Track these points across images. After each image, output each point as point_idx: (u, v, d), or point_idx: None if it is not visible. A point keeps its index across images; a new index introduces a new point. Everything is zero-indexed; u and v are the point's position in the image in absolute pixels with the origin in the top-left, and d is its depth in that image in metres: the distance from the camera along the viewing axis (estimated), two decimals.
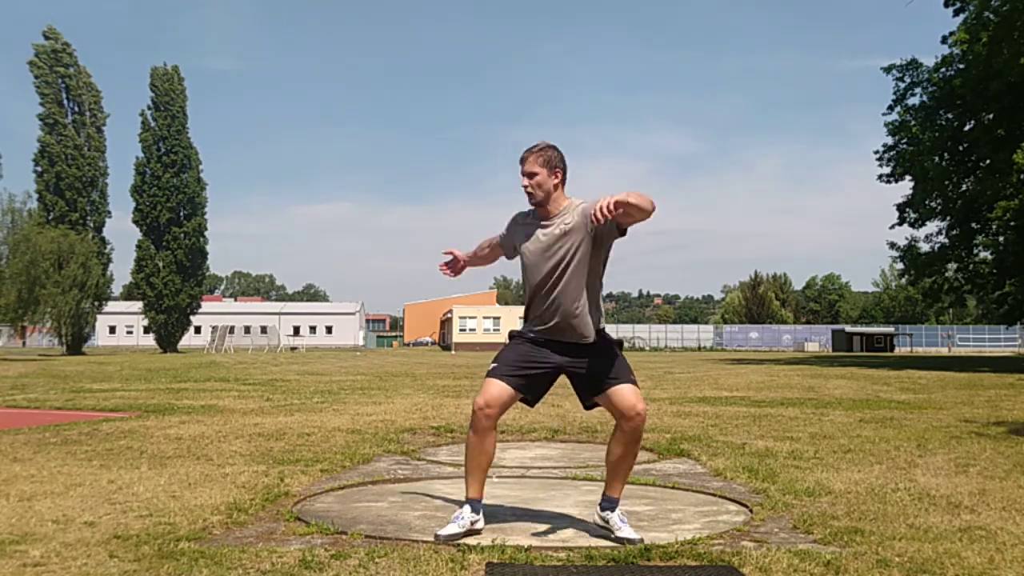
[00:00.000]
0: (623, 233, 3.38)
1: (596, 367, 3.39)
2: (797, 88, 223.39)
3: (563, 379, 3.51)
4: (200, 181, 51.45)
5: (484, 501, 3.47)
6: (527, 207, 3.52)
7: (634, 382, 3.37)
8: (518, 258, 3.57)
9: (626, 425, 3.32)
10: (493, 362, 3.45)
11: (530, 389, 3.45)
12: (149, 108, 50.39)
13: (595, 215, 3.09)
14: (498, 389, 3.35)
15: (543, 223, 3.44)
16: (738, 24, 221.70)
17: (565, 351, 3.42)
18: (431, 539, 3.30)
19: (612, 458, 3.42)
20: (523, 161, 3.41)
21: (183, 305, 50.35)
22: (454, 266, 3.85)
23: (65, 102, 47.52)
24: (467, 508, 3.38)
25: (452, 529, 3.32)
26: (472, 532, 3.35)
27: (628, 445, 3.36)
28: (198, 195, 51.08)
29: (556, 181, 3.42)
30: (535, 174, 3.39)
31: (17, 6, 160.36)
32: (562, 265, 3.37)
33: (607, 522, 3.38)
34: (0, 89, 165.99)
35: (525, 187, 3.41)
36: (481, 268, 3.97)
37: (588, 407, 3.50)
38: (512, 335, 3.57)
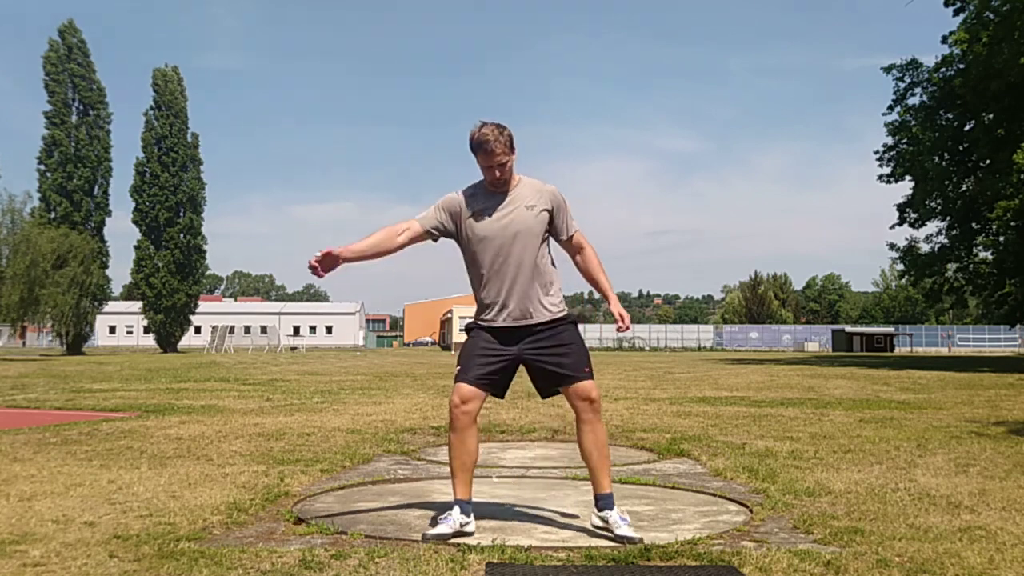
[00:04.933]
0: (555, 237, 3.56)
1: (553, 356, 3.42)
2: (798, 87, 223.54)
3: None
4: (200, 180, 51.47)
5: (485, 500, 3.47)
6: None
7: (589, 375, 3.43)
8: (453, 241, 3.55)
9: (584, 415, 3.40)
10: (458, 363, 3.45)
11: (497, 385, 3.47)
12: (152, 109, 50.38)
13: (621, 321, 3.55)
14: (470, 388, 3.37)
15: (497, 201, 3.45)
16: (739, 23, 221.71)
17: (521, 336, 3.43)
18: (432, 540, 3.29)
19: (586, 454, 3.44)
20: (491, 151, 3.34)
21: (180, 305, 50.31)
22: (327, 264, 3.38)
23: (72, 100, 47.41)
24: (456, 509, 3.35)
25: (441, 529, 3.30)
26: (462, 534, 3.31)
27: (593, 434, 3.40)
28: (197, 195, 51.08)
29: (514, 159, 3.44)
30: (505, 163, 3.39)
31: (16, 5, 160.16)
32: (519, 239, 3.42)
33: (606, 521, 3.36)
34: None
35: (498, 176, 3.39)
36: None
37: (546, 396, 3.56)
38: (469, 328, 3.56)
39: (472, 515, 3.39)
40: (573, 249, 3.61)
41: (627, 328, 3.55)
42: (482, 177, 3.47)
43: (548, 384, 3.48)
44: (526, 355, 3.44)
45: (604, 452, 3.43)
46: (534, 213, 3.43)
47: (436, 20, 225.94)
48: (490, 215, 3.42)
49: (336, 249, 3.36)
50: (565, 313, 3.51)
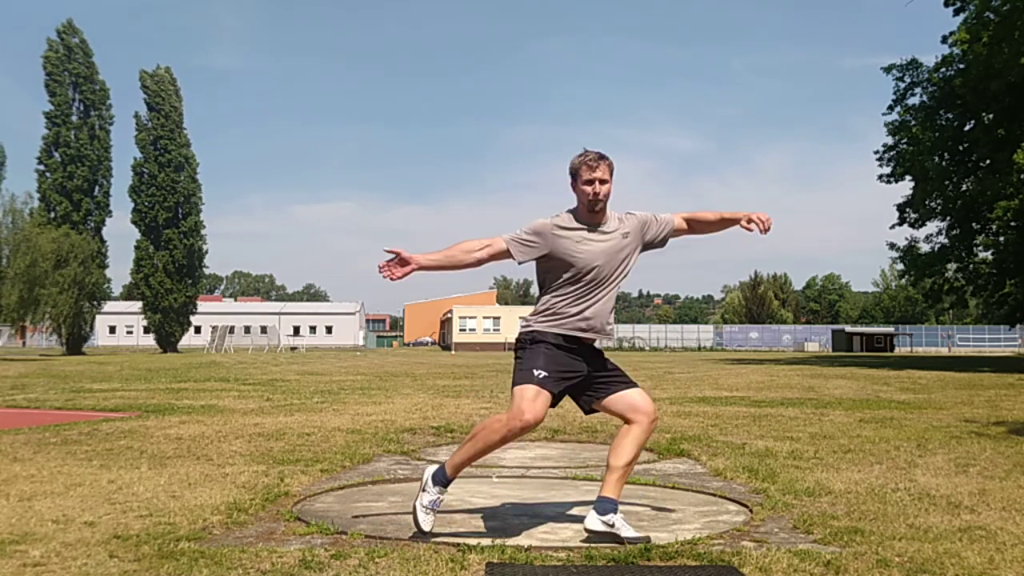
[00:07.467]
0: (662, 244, 3.63)
1: (608, 373, 3.48)
2: (799, 87, 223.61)
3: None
4: (195, 180, 51.42)
5: (485, 500, 3.49)
6: (553, 211, 3.54)
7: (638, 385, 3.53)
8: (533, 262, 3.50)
9: (645, 426, 3.42)
10: (538, 370, 3.31)
11: (559, 398, 3.44)
12: (144, 109, 50.39)
13: (759, 224, 3.53)
14: (545, 403, 3.28)
15: (599, 227, 3.45)
16: (740, 23, 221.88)
17: (591, 356, 3.46)
18: (431, 539, 3.30)
19: (620, 461, 3.37)
20: (594, 167, 3.39)
21: (179, 305, 50.32)
22: (396, 268, 3.30)
23: (73, 100, 47.36)
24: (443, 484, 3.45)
25: (425, 499, 3.38)
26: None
27: (640, 447, 3.43)
28: (194, 195, 51.07)
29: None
30: (607, 181, 3.42)
31: (17, 4, 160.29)
32: (620, 269, 3.49)
33: (612, 525, 3.26)
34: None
35: (596, 192, 3.39)
36: (479, 269, 3.59)
37: (589, 412, 3.51)
38: (537, 339, 3.40)
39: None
40: (683, 228, 3.72)
41: (766, 227, 3.55)
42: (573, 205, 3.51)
43: (599, 394, 3.44)
44: (592, 372, 3.45)
45: (636, 461, 3.47)
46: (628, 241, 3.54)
47: (436, 20, 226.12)
48: (592, 238, 3.44)
49: (409, 254, 3.28)
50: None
